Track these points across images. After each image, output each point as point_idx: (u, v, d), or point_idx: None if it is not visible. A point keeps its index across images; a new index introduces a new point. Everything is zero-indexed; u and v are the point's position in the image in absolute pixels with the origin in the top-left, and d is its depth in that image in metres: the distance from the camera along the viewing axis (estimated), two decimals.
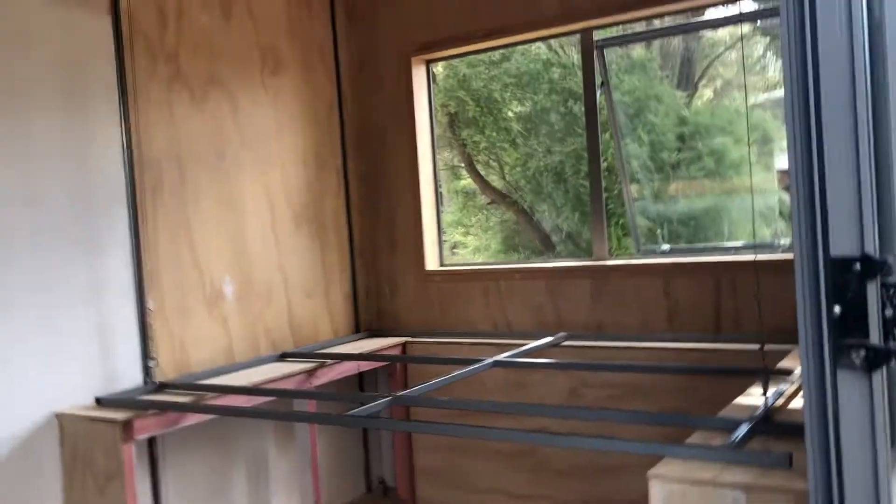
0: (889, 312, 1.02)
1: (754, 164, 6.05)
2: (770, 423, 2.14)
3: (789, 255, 3.31)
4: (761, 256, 3.56)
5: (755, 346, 3.17)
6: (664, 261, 3.67)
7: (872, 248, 1.04)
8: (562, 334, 3.69)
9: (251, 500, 3.67)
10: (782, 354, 3.04)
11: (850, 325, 1.04)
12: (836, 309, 1.05)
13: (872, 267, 1.03)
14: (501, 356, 3.34)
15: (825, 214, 1.07)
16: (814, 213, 1.08)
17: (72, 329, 2.97)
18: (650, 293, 3.59)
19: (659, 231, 5.57)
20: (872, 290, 1.03)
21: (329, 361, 3.62)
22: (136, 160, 3.21)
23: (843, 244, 1.05)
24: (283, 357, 3.73)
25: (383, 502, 4.20)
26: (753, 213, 2.61)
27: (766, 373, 2.28)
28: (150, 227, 3.25)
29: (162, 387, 3.18)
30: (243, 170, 3.70)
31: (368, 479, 4.34)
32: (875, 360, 1.02)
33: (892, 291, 1.02)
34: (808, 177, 1.09)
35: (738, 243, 4.42)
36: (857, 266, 1.04)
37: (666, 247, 4.02)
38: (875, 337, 1.03)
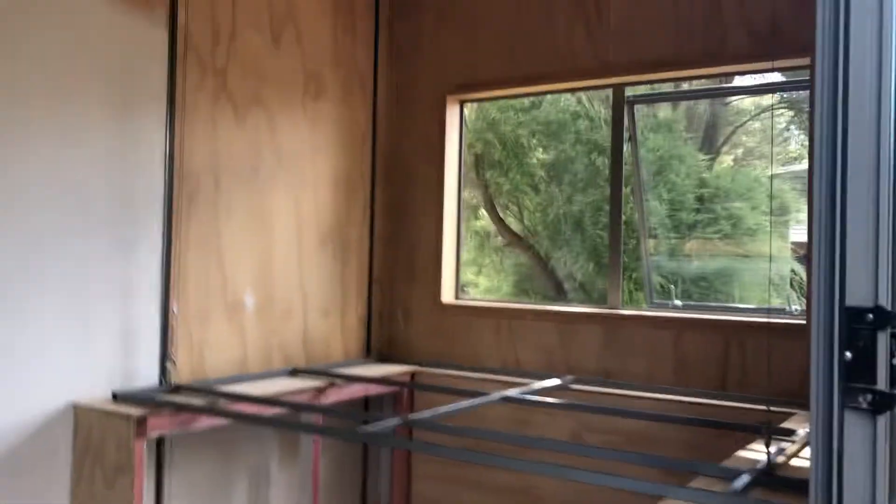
0: None
1: (771, 233, 6.13)
2: (772, 476, 2.20)
3: (799, 321, 3.39)
4: (773, 320, 3.63)
5: (760, 406, 3.22)
6: (676, 315, 3.75)
7: (886, 300, 1.12)
8: (569, 377, 3.76)
9: None
10: (786, 416, 3.09)
11: (859, 371, 1.12)
12: (848, 354, 1.13)
13: (884, 317, 1.11)
14: (509, 392, 3.40)
15: (843, 267, 1.15)
16: (833, 265, 1.16)
17: (98, 323, 3.06)
18: (660, 345, 3.66)
19: (672, 288, 5.64)
20: (882, 339, 1.11)
21: (339, 381, 3.69)
22: (176, 168, 3.33)
23: (858, 295, 1.13)
24: (294, 373, 3.81)
25: None
26: (770, 273, 2.69)
27: (770, 427, 2.34)
28: (182, 234, 3.35)
29: (177, 389, 3.25)
30: (276, 188, 3.82)
31: (364, 503, 4.38)
32: (881, 403, 1.10)
33: None
34: (830, 231, 1.18)
35: (750, 305, 4.49)
36: (870, 316, 1.12)
37: (678, 303, 4.09)
38: (882, 383, 1.11)
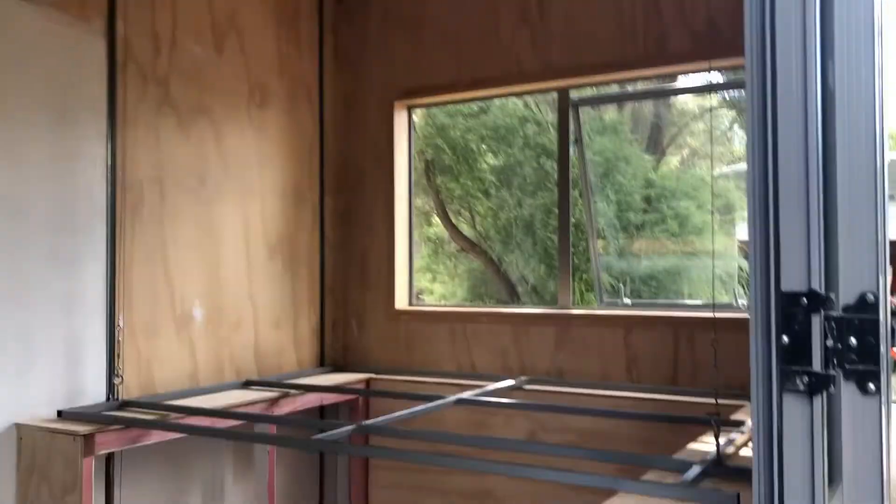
0: (830, 342, 1.14)
1: (717, 231, 6.26)
2: (721, 466, 2.24)
3: (745, 315, 3.46)
4: (719, 314, 3.70)
5: (710, 400, 3.28)
6: (626, 313, 3.80)
7: (818, 284, 1.16)
8: (523, 378, 3.78)
9: None
10: (736, 408, 3.16)
11: (796, 354, 1.15)
12: (785, 338, 1.16)
13: (817, 301, 1.15)
14: (464, 395, 3.41)
15: (778, 253, 1.19)
16: (767, 252, 1.20)
17: (41, 341, 2.99)
18: (611, 343, 3.70)
19: (622, 287, 5.72)
20: (816, 322, 1.14)
21: (293, 392, 3.66)
22: (118, 180, 3.27)
23: (792, 280, 1.17)
24: (246, 384, 3.76)
25: None
26: (714, 270, 2.75)
27: (718, 419, 2.38)
28: (126, 246, 3.29)
29: (125, 404, 3.19)
30: (223, 198, 3.77)
31: None
32: (816, 385, 1.13)
33: (833, 324, 1.14)
34: (764, 219, 1.21)
35: (698, 302, 4.57)
36: (804, 300, 1.16)
37: (628, 301, 4.15)
38: (818, 365, 1.14)
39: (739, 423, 2.78)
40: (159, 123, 3.47)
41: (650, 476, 2.24)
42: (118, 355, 3.23)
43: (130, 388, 3.29)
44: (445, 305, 5.45)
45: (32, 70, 2.98)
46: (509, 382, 3.69)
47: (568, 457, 2.65)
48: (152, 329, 3.40)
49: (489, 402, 3.42)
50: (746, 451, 2.49)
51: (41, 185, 3.01)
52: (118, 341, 3.22)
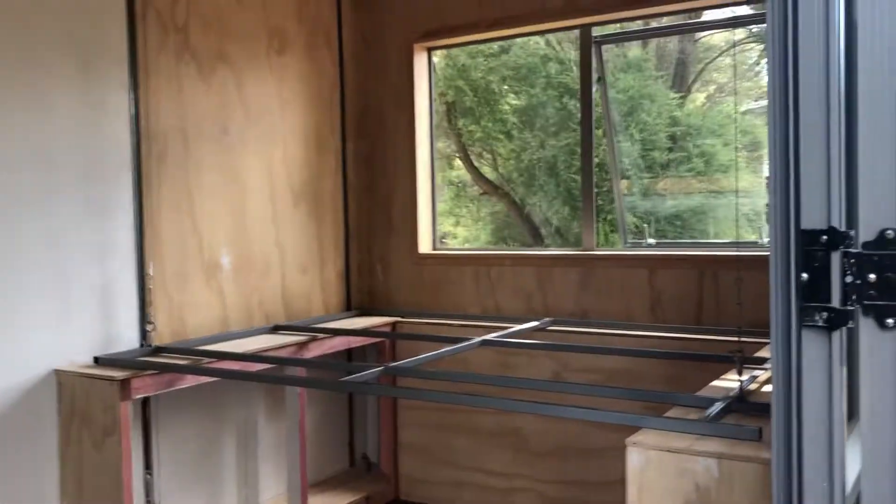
0: (849, 279, 1.14)
1: (743, 168, 6.18)
2: (744, 402, 2.27)
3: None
4: (744, 252, 3.69)
5: (734, 338, 3.30)
6: (650, 253, 3.80)
7: (838, 221, 1.16)
8: (547, 319, 3.81)
9: (239, 465, 3.77)
10: (759, 346, 3.17)
11: (815, 291, 1.16)
12: (804, 276, 1.17)
13: (837, 238, 1.15)
14: (489, 336, 3.45)
15: (798, 191, 1.18)
16: (787, 190, 1.19)
17: (77, 289, 3.07)
18: (635, 283, 3.71)
19: (646, 227, 5.70)
20: (836, 259, 1.15)
21: (321, 335, 3.72)
22: (143, 130, 3.30)
23: (812, 218, 1.17)
24: (275, 329, 3.83)
25: (366, 477, 4.31)
26: (737, 207, 2.73)
27: (742, 356, 2.40)
28: (153, 196, 3.34)
29: (158, 350, 3.27)
30: (246, 145, 3.79)
31: (352, 455, 4.45)
32: (836, 320, 1.14)
33: (852, 260, 1.14)
34: (784, 157, 1.20)
35: (724, 240, 4.55)
36: (824, 238, 1.16)
37: (652, 241, 4.14)
38: (836, 301, 1.15)
39: (763, 360, 2.80)
40: (180, 72, 3.47)
41: (673, 413, 2.27)
42: (149, 303, 3.30)
43: (163, 334, 3.37)
44: (469, 249, 5.47)
45: (52, 22, 2.99)
46: (534, 324, 3.73)
47: (592, 395, 2.69)
48: (182, 277, 3.47)
49: (514, 342, 3.46)
50: (769, 388, 2.51)
51: (70, 135, 3.04)
52: (149, 289, 3.29)
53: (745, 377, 2.44)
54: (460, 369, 3.76)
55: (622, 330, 3.63)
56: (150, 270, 3.30)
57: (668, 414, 2.26)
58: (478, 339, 3.39)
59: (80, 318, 3.08)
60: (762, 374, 2.63)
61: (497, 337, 3.47)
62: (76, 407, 2.96)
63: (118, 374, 2.88)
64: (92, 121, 3.12)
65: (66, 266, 3.03)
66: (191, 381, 3.12)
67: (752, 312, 3.36)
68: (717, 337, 3.38)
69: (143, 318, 3.29)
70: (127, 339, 3.25)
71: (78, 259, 3.07)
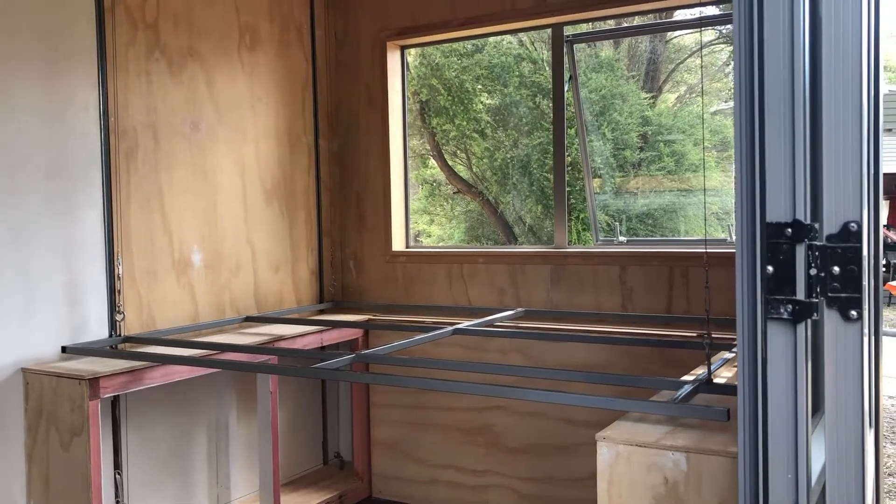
0: (813, 272, 1.16)
1: (713, 167, 6.25)
2: (712, 385, 2.30)
3: None
4: (714, 249, 3.73)
5: (703, 331, 3.33)
6: (621, 250, 3.83)
7: (803, 215, 1.17)
8: (521, 310, 3.82)
9: (211, 464, 3.74)
10: (729, 340, 3.21)
11: (780, 283, 1.18)
12: (769, 268, 1.19)
13: (801, 231, 1.17)
14: (462, 325, 3.45)
15: (763, 184, 1.20)
16: (753, 183, 1.21)
17: (43, 287, 3.02)
18: (606, 281, 3.74)
19: (618, 225, 5.75)
20: (801, 252, 1.17)
21: (288, 335, 3.69)
22: (111, 125, 3.26)
23: (777, 211, 1.18)
24: (247, 320, 3.81)
25: (339, 475, 4.30)
26: (707, 205, 2.75)
27: (710, 340, 2.43)
28: (122, 193, 3.30)
29: (127, 340, 3.24)
30: (217, 142, 3.76)
31: (325, 453, 4.43)
32: (800, 313, 1.16)
33: (816, 253, 1.16)
34: (750, 151, 1.22)
35: (694, 238, 4.60)
36: (789, 231, 1.18)
37: (623, 239, 4.17)
38: (801, 293, 1.17)
39: (732, 344, 2.84)
40: (150, 68, 3.44)
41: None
42: (119, 291, 3.26)
43: (133, 330, 3.33)
44: (442, 247, 5.47)
45: (20, 16, 2.95)
46: (508, 312, 3.73)
47: (564, 380, 2.70)
48: (152, 274, 3.43)
49: (486, 331, 3.45)
50: (736, 370, 2.56)
51: (35, 132, 3.00)
52: (118, 278, 3.25)
53: (716, 362, 2.47)
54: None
55: (595, 320, 3.66)
56: (120, 270, 3.26)
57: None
58: (450, 328, 3.38)
59: (47, 314, 3.04)
60: (731, 355, 2.67)
61: (470, 325, 3.46)
62: (43, 406, 2.91)
63: (86, 372, 2.85)
64: (58, 116, 3.08)
65: (31, 263, 2.98)
66: (161, 378, 3.08)
67: (722, 307, 3.41)
68: (686, 332, 3.41)
69: (113, 308, 3.25)
70: (96, 332, 3.21)
71: (44, 255, 3.02)
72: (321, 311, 4.35)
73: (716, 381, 2.39)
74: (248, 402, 3.91)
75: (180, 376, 3.15)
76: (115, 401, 3.28)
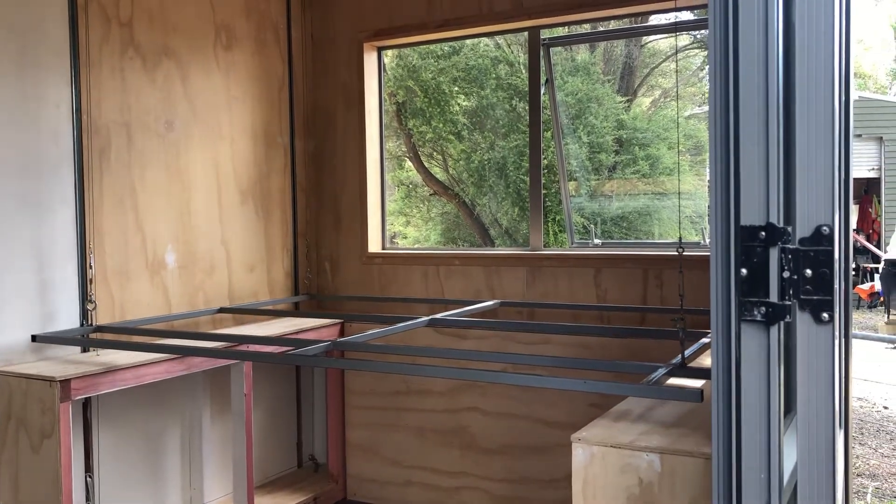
0: (787, 274, 1.18)
1: (686, 171, 6.30)
2: (685, 368, 2.33)
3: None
4: (688, 253, 3.76)
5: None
6: (596, 252, 3.85)
7: (776, 218, 1.19)
8: (496, 301, 3.81)
9: (184, 466, 3.71)
10: (704, 330, 3.23)
11: (754, 286, 1.19)
12: (743, 271, 1.20)
13: (775, 234, 1.19)
14: (437, 315, 3.43)
15: (738, 187, 1.22)
16: (728, 187, 1.23)
17: (12, 285, 2.97)
18: (581, 282, 3.76)
19: (592, 228, 5.78)
20: (774, 255, 1.18)
21: (262, 336, 3.67)
22: (84, 124, 3.22)
23: (751, 214, 1.20)
24: (221, 311, 3.79)
25: (314, 477, 4.28)
26: (682, 208, 2.78)
27: (684, 326, 2.46)
28: (95, 191, 3.26)
29: (99, 329, 3.20)
30: (192, 141, 3.73)
31: (300, 455, 4.41)
32: (773, 315, 1.18)
33: (790, 256, 1.18)
34: (725, 155, 1.24)
35: (668, 241, 4.64)
36: (762, 234, 1.19)
37: (598, 241, 4.20)
38: (774, 296, 1.18)
39: (707, 332, 2.86)
40: (124, 66, 3.40)
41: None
42: (91, 280, 3.22)
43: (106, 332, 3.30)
44: (418, 249, 5.46)
45: None
46: (484, 304, 3.72)
47: (542, 365, 2.72)
48: (124, 274, 3.39)
49: (461, 321, 3.44)
50: (709, 358, 2.59)
51: (6, 130, 2.95)
52: (90, 267, 3.21)
53: (687, 350, 2.49)
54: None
55: (569, 317, 3.67)
56: (92, 262, 3.21)
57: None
58: (426, 318, 3.34)
59: (19, 313, 2.99)
60: (706, 340, 2.70)
61: (445, 316, 3.44)
62: (13, 409, 2.87)
63: (58, 374, 2.81)
64: (29, 114, 3.04)
65: (2, 261, 2.94)
66: (133, 379, 3.05)
67: (695, 304, 3.44)
68: (661, 327, 3.44)
69: (84, 297, 3.21)
70: (66, 327, 3.17)
71: (14, 254, 2.98)
72: (296, 305, 4.33)
73: (689, 358, 2.42)
74: (221, 403, 3.88)
75: (153, 377, 3.11)
76: (86, 402, 3.24)
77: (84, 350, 3.19)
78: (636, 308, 3.57)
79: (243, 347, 3.39)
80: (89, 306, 3.21)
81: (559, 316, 3.76)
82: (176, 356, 3.15)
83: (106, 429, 3.33)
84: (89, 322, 3.22)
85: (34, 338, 3.03)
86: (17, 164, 2.99)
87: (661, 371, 2.23)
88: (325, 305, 4.42)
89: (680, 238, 2.34)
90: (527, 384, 2.29)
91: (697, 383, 2.25)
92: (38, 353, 3.06)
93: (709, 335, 2.77)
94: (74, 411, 3.15)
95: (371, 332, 3.06)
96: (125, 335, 3.20)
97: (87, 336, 3.18)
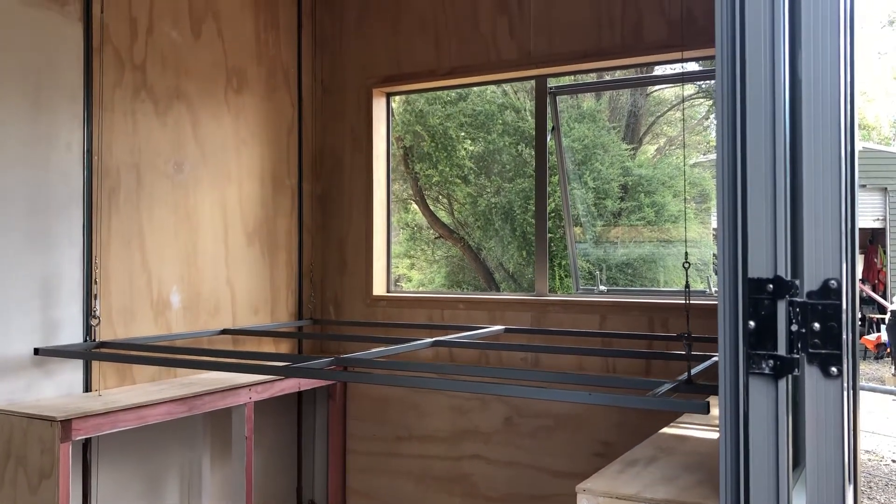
0: (794, 328, 1.17)
1: (692, 219, 6.31)
2: (691, 384, 2.31)
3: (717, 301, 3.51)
4: (694, 301, 3.75)
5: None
6: (601, 299, 3.84)
7: (784, 271, 1.19)
8: (500, 328, 3.77)
9: None
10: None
11: (762, 338, 1.19)
12: (751, 323, 1.20)
13: (783, 287, 1.18)
14: (441, 337, 3.39)
15: (745, 241, 1.22)
16: (735, 240, 1.23)
17: (17, 322, 2.97)
18: (586, 329, 3.74)
19: (598, 274, 5.78)
20: (782, 308, 1.18)
21: (267, 381, 3.65)
22: (95, 165, 3.25)
23: (759, 267, 1.20)
24: (223, 332, 3.78)
25: None
26: (688, 256, 2.77)
27: (690, 338, 2.44)
28: (103, 231, 3.28)
29: (102, 345, 3.19)
30: (200, 183, 3.76)
31: (300, 500, 4.35)
32: (782, 368, 1.17)
33: (797, 309, 1.17)
34: (732, 208, 1.24)
35: (673, 289, 4.63)
36: (770, 286, 1.19)
37: (603, 288, 4.19)
38: (782, 349, 1.18)
39: (711, 357, 2.83)
40: (136, 108, 3.45)
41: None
42: (96, 296, 3.21)
43: (107, 372, 3.28)
44: (423, 292, 5.46)
45: (6, 54, 2.95)
46: (486, 330, 3.68)
47: (548, 381, 2.70)
48: (129, 314, 3.39)
49: (465, 343, 3.39)
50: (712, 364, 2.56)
51: (17, 169, 2.98)
52: (95, 281, 3.21)
53: (694, 369, 2.47)
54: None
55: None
56: (97, 307, 3.22)
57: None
58: (429, 339, 3.28)
59: (23, 354, 2.99)
60: (716, 358, 2.67)
61: (448, 338, 3.39)
62: (12, 447, 2.85)
63: (59, 413, 2.79)
64: (41, 154, 3.07)
65: (9, 301, 2.94)
66: (135, 420, 3.03)
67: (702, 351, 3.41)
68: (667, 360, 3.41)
69: (88, 312, 3.21)
70: (70, 382, 3.16)
71: (24, 293, 2.99)
72: (299, 342, 4.31)
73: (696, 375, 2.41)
74: (222, 446, 3.84)
75: (155, 419, 3.10)
76: (86, 443, 3.21)
77: (86, 390, 3.18)
78: (641, 348, 3.54)
79: (247, 378, 3.37)
80: (93, 321, 3.21)
81: (565, 361, 3.73)
82: (178, 398, 3.14)
83: (105, 470, 3.30)
84: (92, 337, 3.22)
85: (37, 351, 3.03)
86: (27, 202, 3.02)
87: (667, 386, 2.22)
88: (326, 327, 4.39)
89: (686, 253, 2.35)
90: (531, 396, 2.29)
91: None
92: (37, 391, 3.04)
93: (716, 356, 2.75)
94: (74, 452, 3.12)
95: (375, 350, 3.04)
96: (129, 350, 3.20)
97: (90, 352, 3.17)
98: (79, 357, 3.02)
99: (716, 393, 1.25)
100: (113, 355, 3.05)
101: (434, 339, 3.31)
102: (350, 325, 4.25)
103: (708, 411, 1.96)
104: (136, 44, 3.45)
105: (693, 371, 2.41)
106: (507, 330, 3.78)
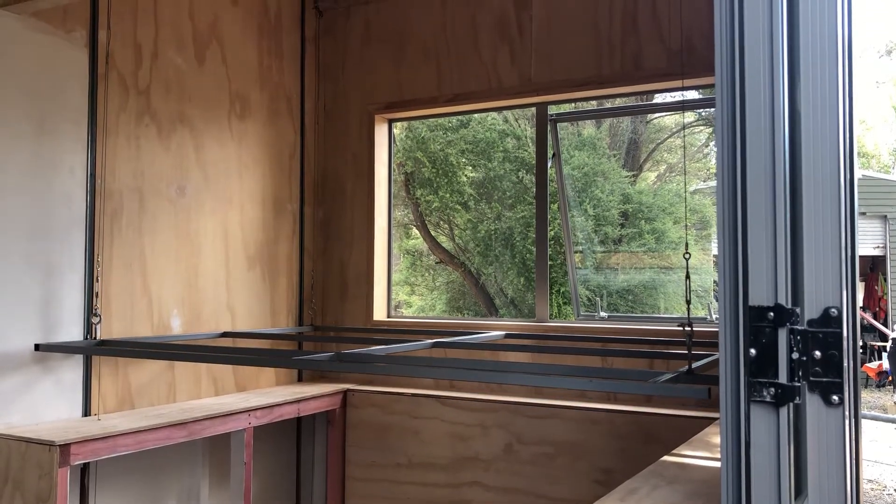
0: (795, 356, 1.17)
1: (692, 246, 6.32)
2: (692, 375, 2.31)
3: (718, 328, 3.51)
4: (696, 328, 3.74)
5: (684, 411, 3.33)
6: (602, 325, 3.84)
7: (785, 299, 1.19)
8: (501, 333, 3.76)
9: None
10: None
11: (763, 366, 1.19)
12: (752, 351, 1.20)
13: (783, 315, 1.19)
14: (441, 339, 3.38)
15: (746, 269, 1.22)
16: (736, 268, 1.23)
17: (16, 346, 2.97)
18: (587, 356, 3.73)
19: (598, 300, 5.77)
20: (783, 336, 1.18)
21: (267, 404, 3.65)
22: (98, 188, 3.27)
23: (759, 295, 1.20)
24: (224, 336, 3.78)
25: None
26: (689, 284, 2.78)
27: (691, 330, 2.43)
28: (105, 254, 3.29)
29: (103, 343, 3.18)
30: (202, 207, 3.78)
31: None
32: (783, 396, 1.17)
33: (798, 337, 1.18)
34: (733, 236, 1.25)
35: (674, 315, 4.62)
36: (771, 314, 1.19)
37: (604, 315, 4.19)
38: (784, 377, 1.18)
39: (714, 345, 2.81)
40: (140, 133, 3.47)
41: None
42: (97, 294, 3.20)
43: (107, 396, 3.28)
44: (423, 318, 5.45)
45: (12, 79, 2.98)
46: (487, 335, 3.67)
47: (551, 374, 2.69)
48: (130, 336, 3.39)
49: (465, 343, 3.37)
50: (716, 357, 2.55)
51: (20, 193, 3.00)
52: (97, 280, 3.21)
53: (696, 364, 2.46)
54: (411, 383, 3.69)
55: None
56: (99, 329, 3.22)
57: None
58: (430, 340, 3.28)
59: (22, 374, 2.98)
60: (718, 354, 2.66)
61: (449, 340, 3.38)
62: (10, 472, 2.83)
63: (57, 438, 2.78)
64: (45, 178, 3.09)
65: (6, 323, 2.94)
66: (134, 445, 3.02)
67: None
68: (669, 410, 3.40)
69: (89, 310, 3.20)
70: (70, 403, 3.15)
71: (20, 315, 2.99)
72: (299, 344, 4.30)
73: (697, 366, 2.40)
74: (220, 472, 3.82)
75: (154, 443, 3.08)
76: (84, 468, 3.19)
77: (85, 414, 3.17)
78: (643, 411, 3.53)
79: (247, 403, 3.35)
80: (94, 319, 3.20)
81: (565, 361, 3.72)
82: (177, 422, 3.13)
83: (103, 496, 3.28)
84: (93, 335, 3.22)
85: (37, 347, 3.03)
86: (30, 225, 3.03)
87: (668, 375, 2.21)
88: (327, 381, 4.38)
89: (686, 245, 2.36)
90: (534, 384, 2.31)
91: None
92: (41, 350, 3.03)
93: (716, 354, 2.74)
94: (72, 477, 3.11)
95: (374, 348, 3.03)
96: (130, 347, 3.20)
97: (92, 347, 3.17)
98: (79, 352, 3.02)
99: (716, 384, 1.25)
100: (113, 350, 3.05)
101: (434, 340, 3.33)
102: (349, 330, 4.26)
103: (709, 397, 1.96)
104: (140, 69, 3.48)
105: (694, 365, 2.41)
106: (507, 335, 3.78)
